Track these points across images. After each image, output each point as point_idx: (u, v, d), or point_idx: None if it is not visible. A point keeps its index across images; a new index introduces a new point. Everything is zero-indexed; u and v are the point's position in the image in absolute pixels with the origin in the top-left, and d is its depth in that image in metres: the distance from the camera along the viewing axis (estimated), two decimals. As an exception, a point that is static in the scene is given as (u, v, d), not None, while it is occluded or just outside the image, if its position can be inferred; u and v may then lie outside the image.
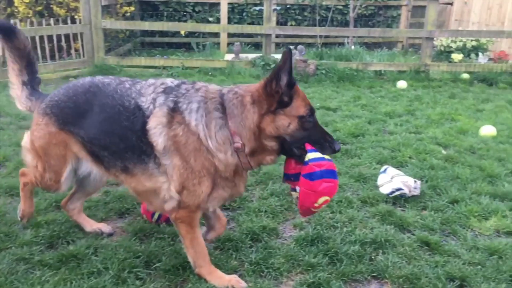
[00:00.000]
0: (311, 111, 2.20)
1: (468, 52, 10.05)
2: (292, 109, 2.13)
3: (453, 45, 10.12)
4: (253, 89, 2.19)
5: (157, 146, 2.21)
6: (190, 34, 11.68)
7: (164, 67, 8.36)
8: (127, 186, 2.50)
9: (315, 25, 11.88)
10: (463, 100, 6.79)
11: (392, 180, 3.56)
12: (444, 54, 10.14)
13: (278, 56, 9.15)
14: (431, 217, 3.22)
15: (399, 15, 13.28)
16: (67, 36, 8.38)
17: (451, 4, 13.35)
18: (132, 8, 10.87)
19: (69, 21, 8.40)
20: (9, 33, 2.65)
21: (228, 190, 2.31)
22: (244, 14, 12.61)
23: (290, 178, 2.29)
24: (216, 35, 11.40)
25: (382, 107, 6.15)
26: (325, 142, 2.21)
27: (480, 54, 10.05)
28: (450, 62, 9.36)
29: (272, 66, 8.10)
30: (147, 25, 9.36)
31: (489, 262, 2.71)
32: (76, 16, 8.77)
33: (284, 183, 2.53)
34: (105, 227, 2.95)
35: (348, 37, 10.83)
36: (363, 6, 12.78)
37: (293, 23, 12.91)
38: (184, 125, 2.18)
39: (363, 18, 13.02)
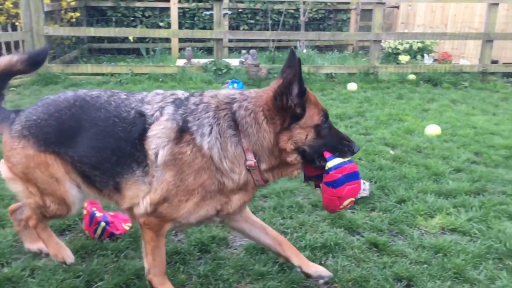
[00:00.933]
0: (325, 116, 2.09)
1: (415, 53, 10.43)
2: (307, 120, 2.02)
3: (400, 47, 10.46)
4: (262, 102, 2.03)
5: (152, 155, 2.06)
6: (140, 39, 11.43)
7: (112, 74, 8.11)
8: (120, 207, 2.28)
9: (267, 29, 11.93)
10: (410, 101, 6.99)
11: (341, 182, 3.58)
12: (392, 56, 10.46)
13: (231, 61, 9.13)
14: (380, 218, 3.25)
15: (349, 18, 13.61)
16: (7, 44, 7.97)
17: (397, 7, 13.83)
18: (78, 14, 10.50)
19: (9, 29, 7.98)
20: None
21: (218, 207, 2.15)
22: (196, 18, 12.49)
23: (312, 179, 2.24)
24: (167, 40, 11.22)
25: (333, 109, 6.23)
26: (343, 147, 2.11)
27: (425, 55, 10.44)
28: (397, 63, 9.66)
29: (224, 71, 8.05)
30: (93, 31, 9.04)
31: (435, 260, 2.76)
32: (17, 23, 8.35)
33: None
34: (45, 247, 2.72)
35: (300, 40, 10.95)
36: (314, 10, 12.99)
37: (246, 27, 12.92)
38: (194, 146, 2.03)
39: (314, 22, 13.23)
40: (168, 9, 11.28)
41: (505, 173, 4.08)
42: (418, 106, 6.63)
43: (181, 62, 9.36)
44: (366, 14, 12.86)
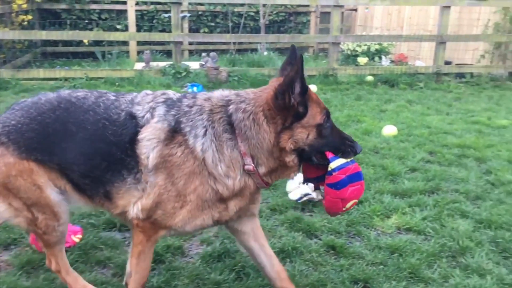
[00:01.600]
0: (327, 115, 2.01)
1: (372, 55, 10.65)
2: (309, 119, 1.94)
3: (359, 49, 10.65)
4: (262, 102, 1.94)
5: (144, 160, 1.94)
6: (96, 43, 11.12)
7: (66, 79, 7.82)
8: (112, 215, 2.20)
9: (228, 32, 11.90)
10: (368, 102, 7.11)
11: (300, 185, 3.57)
12: (351, 58, 10.64)
13: (191, 64, 9.01)
14: (337, 220, 3.25)
15: (309, 21, 13.76)
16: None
17: (355, 10, 14.11)
18: (30, 17, 10.09)
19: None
20: None
21: (216, 215, 2.04)
22: (155, 21, 12.29)
23: (312, 181, 2.17)
24: (125, 43, 10.96)
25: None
26: (346, 147, 2.03)
27: (383, 57, 10.68)
28: (356, 65, 9.83)
29: (183, 74, 7.93)
30: (45, 35, 8.66)
31: (391, 260, 2.78)
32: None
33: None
34: None
35: (260, 43, 10.96)
36: (274, 12, 13.07)
37: (206, 30, 12.83)
38: (186, 147, 1.93)
39: (275, 24, 13.29)
40: (125, 11, 11.04)
41: (458, 171, 4.19)
42: (375, 107, 6.74)
43: (139, 65, 9.15)
44: (326, 16, 13.03)
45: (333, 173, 1.98)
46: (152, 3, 11.68)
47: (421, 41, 9.67)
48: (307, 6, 12.94)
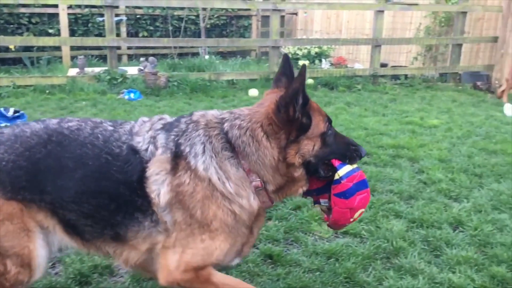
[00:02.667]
0: (330, 121, 1.93)
1: (313, 58, 10.83)
2: (313, 129, 1.85)
3: (300, 53, 10.81)
4: (261, 117, 1.83)
5: (155, 199, 1.77)
6: (26, 48, 10.49)
7: (-10, 87, 7.29)
8: (116, 258, 1.98)
9: (168, 36, 11.65)
10: (308, 105, 7.18)
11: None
12: (292, 61, 10.74)
13: (130, 69, 8.71)
14: (276, 227, 3.21)
15: (250, 24, 13.80)
16: None
17: (296, 14, 14.32)
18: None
19: None
20: None
21: (244, 240, 1.91)
22: (90, 25, 11.80)
23: (313, 193, 2.05)
24: (58, 48, 10.42)
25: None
26: (351, 152, 1.95)
27: (323, 60, 10.90)
28: (297, 68, 9.92)
29: (120, 80, 7.63)
30: (-36, 40, 8.05)
31: (327, 266, 2.76)
32: None
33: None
34: None
35: (201, 47, 10.82)
36: (215, 16, 12.97)
37: (145, 33, 12.50)
38: (190, 171, 1.78)
39: (216, 28, 13.20)
40: (57, 15, 10.50)
41: (392, 172, 4.29)
42: (315, 110, 6.80)
43: (73, 71, 8.72)
44: (267, 20, 13.08)
45: (342, 181, 1.88)
46: (86, 6, 11.20)
47: (358, 44, 9.95)
48: (248, 9, 12.96)
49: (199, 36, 11.47)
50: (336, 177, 1.88)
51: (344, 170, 1.90)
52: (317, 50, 10.83)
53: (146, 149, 1.83)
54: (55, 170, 1.83)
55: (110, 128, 1.94)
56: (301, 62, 10.29)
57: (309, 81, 8.65)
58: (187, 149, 1.81)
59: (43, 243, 1.90)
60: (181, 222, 1.79)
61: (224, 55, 12.05)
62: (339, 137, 1.98)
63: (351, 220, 1.99)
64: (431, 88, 8.89)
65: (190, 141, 1.83)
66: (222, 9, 12.48)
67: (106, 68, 7.98)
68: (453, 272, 2.70)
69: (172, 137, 1.85)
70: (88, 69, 8.56)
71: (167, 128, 1.90)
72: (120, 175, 1.80)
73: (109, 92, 7.34)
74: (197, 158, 1.80)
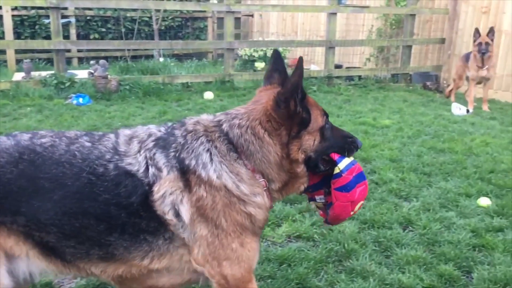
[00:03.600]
0: (327, 115, 1.92)
1: (269, 60, 10.82)
2: (313, 124, 1.84)
3: (256, 55, 10.79)
4: (259, 115, 1.79)
5: (172, 219, 1.72)
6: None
7: None
8: (101, 275, 1.86)
9: (121, 38, 11.35)
10: (264, 107, 7.16)
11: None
12: (249, 63, 10.74)
13: (80, 72, 8.39)
14: (228, 234, 3.13)
15: (206, 26, 13.67)
16: None
17: (251, 16, 14.33)
18: None
19: None
20: None
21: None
22: (37, 27, 11.29)
23: (308, 190, 2.01)
24: (3, 52, 9.90)
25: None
26: (349, 145, 1.94)
27: (279, 61, 10.91)
28: (254, 70, 9.92)
29: (68, 84, 7.31)
30: None
31: (279, 272, 2.72)
32: None
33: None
34: None
35: (155, 49, 10.60)
36: (170, 18, 12.75)
37: (97, 36, 12.10)
38: (204, 183, 1.74)
39: (171, 30, 12.97)
40: (1, 17, 9.98)
41: (345, 173, 4.31)
42: (271, 112, 6.79)
43: (19, 76, 8.31)
44: (223, 22, 13.04)
45: (343, 174, 1.87)
46: (32, 8, 10.71)
47: (312, 46, 10.06)
48: (204, 11, 12.83)
49: (153, 38, 11.24)
50: (337, 170, 1.88)
51: (343, 163, 1.89)
52: (273, 52, 10.84)
53: (146, 172, 1.74)
54: (29, 191, 1.71)
55: (88, 144, 1.82)
56: (257, 64, 10.29)
57: (265, 83, 8.64)
58: (193, 162, 1.76)
59: (7, 275, 1.76)
60: (207, 235, 1.76)
61: (180, 57, 11.87)
62: (335, 130, 1.98)
63: (352, 213, 1.99)
64: (383, 88, 9.09)
65: (193, 153, 1.78)
66: (177, 10, 12.27)
67: (53, 72, 7.63)
68: (403, 272, 2.73)
69: (172, 153, 1.78)
70: (35, 73, 8.17)
71: (161, 145, 1.80)
72: (109, 196, 1.72)
73: (56, 97, 7.02)
74: (207, 168, 1.75)
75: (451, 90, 8.16)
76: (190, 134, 1.82)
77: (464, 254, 2.91)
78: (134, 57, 10.91)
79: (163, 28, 12.03)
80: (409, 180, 4.12)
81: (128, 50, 10.51)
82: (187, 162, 1.75)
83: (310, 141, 1.85)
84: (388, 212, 3.48)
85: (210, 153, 1.77)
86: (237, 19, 14.20)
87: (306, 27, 12.36)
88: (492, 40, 7.22)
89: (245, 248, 1.80)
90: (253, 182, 1.80)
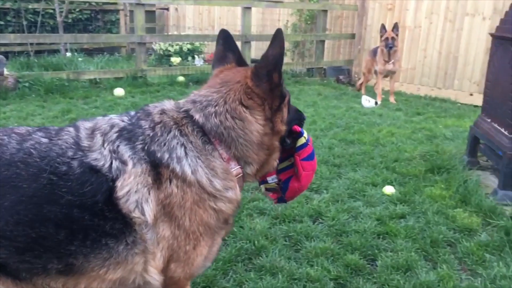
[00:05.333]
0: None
1: (185, 55, 10.57)
2: (287, 96, 1.81)
3: (171, 49, 10.46)
4: (238, 94, 1.70)
5: (138, 218, 1.55)
6: None
7: None
8: None
9: (23, 31, 10.44)
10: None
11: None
12: (165, 58, 10.39)
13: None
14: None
15: (118, 19, 13.02)
16: None
17: (167, 9, 13.91)
18: None
19: None
20: None
21: (223, 234, 1.80)
22: None
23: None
24: None
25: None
26: (301, 116, 1.97)
27: (196, 56, 10.71)
28: (170, 65, 9.60)
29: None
30: None
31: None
32: None
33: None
34: None
35: (60, 43, 9.87)
36: (77, 10, 11.97)
37: (-6, 29, 11.02)
38: (177, 178, 1.60)
39: (79, 23, 12.18)
40: None
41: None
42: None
43: None
44: (134, 15, 12.52)
45: (308, 143, 1.91)
46: None
47: (229, 40, 9.92)
48: (115, 3, 12.20)
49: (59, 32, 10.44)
50: (303, 141, 1.91)
51: (306, 133, 1.94)
52: (189, 46, 10.60)
53: (110, 166, 1.57)
54: None
55: (44, 140, 1.59)
56: (173, 59, 9.97)
57: (180, 78, 8.41)
58: (166, 155, 1.61)
59: None
60: (169, 236, 1.62)
61: (90, 52, 11.18)
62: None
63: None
64: (299, 82, 9.26)
65: (166, 146, 1.63)
66: (85, 2, 11.53)
67: None
68: (311, 266, 2.72)
69: (140, 146, 1.61)
70: None
71: (126, 136, 1.64)
72: (73, 197, 1.51)
73: None
74: (182, 163, 1.62)
75: (361, 83, 8.51)
76: (159, 125, 1.67)
77: (369, 243, 2.97)
78: (39, 52, 10.08)
79: (70, 21, 11.25)
80: (320, 172, 4.16)
81: (31, 44, 9.68)
82: (159, 155, 1.61)
83: (285, 113, 1.83)
84: (299, 206, 3.48)
85: (185, 147, 1.65)
86: (152, 13, 13.74)
87: (223, 22, 12.26)
88: (397, 35, 7.61)
89: (196, 250, 1.70)
90: (226, 175, 1.71)
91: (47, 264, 1.55)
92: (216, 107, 1.70)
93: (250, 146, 1.75)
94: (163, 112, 1.73)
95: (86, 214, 1.52)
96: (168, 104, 1.77)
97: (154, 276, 1.65)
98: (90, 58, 10.13)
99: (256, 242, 2.93)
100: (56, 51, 10.30)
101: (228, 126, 1.70)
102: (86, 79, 7.67)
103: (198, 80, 8.47)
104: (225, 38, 1.93)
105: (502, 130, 3.73)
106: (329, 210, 3.44)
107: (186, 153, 1.64)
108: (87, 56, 10.39)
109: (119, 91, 7.22)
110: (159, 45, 10.46)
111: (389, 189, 3.79)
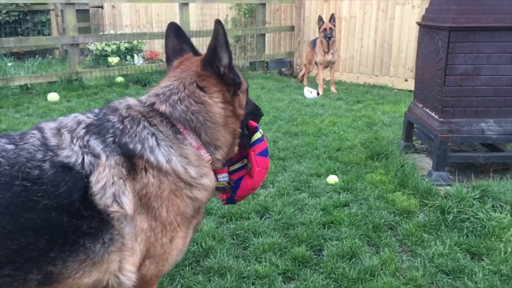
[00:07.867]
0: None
1: (124, 54, 10.24)
2: (243, 85, 1.85)
3: (108, 49, 10.09)
4: (192, 78, 1.74)
5: (116, 212, 1.51)
6: None
7: None
8: None
9: None
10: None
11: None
12: (102, 59, 10.00)
13: None
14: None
15: (49, 20, 12.37)
16: None
17: (101, 7, 13.39)
18: None
19: None
20: None
21: (194, 224, 1.77)
22: None
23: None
24: None
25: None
26: (259, 111, 2.02)
27: (135, 55, 10.40)
28: (108, 66, 9.26)
29: None
30: None
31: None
32: None
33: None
34: None
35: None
36: (4, 12, 11.25)
37: None
38: (153, 168, 1.59)
39: (6, 26, 11.43)
40: None
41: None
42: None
43: None
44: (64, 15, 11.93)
45: (264, 139, 1.93)
46: None
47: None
48: (45, 4, 11.55)
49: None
50: (258, 135, 1.93)
51: (261, 129, 1.98)
52: (127, 45, 10.27)
53: (82, 162, 1.53)
54: None
55: (10, 146, 1.52)
56: (110, 59, 9.62)
57: (119, 79, 8.13)
58: (139, 146, 1.60)
59: None
60: (145, 229, 1.59)
61: (20, 56, 10.55)
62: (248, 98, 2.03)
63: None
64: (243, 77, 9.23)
65: (137, 137, 1.63)
66: (11, 4, 10.83)
67: None
68: (260, 262, 2.73)
69: (111, 139, 1.60)
70: None
71: (95, 131, 1.61)
72: (49, 201, 1.46)
73: None
74: (155, 152, 1.62)
75: (303, 75, 8.63)
76: (127, 119, 1.67)
77: (315, 233, 3.02)
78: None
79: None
80: (265, 166, 4.17)
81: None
82: (131, 146, 1.60)
83: (243, 100, 1.88)
84: (246, 202, 3.47)
85: (156, 137, 1.65)
86: (85, 11, 13.17)
87: (161, 18, 11.98)
88: (334, 25, 7.77)
89: (173, 244, 1.68)
90: (199, 162, 1.73)
91: (27, 276, 1.49)
92: (179, 94, 1.74)
93: (217, 129, 1.78)
94: (129, 107, 1.73)
95: (64, 216, 1.48)
96: (132, 100, 1.78)
97: (129, 274, 1.62)
98: (21, 62, 9.57)
99: (203, 243, 2.90)
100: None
101: (195, 110, 1.74)
102: (16, 85, 7.21)
103: (138, 80, 8.24)
104: (176, 31, 1.94)
105: (433, 114, 3.91)
106: (275, 204, 3.46)
107: (158, 143, 1.65)
108: (17, 60, 9.81)
109: (53, 96, 6.85)
110: (95, 45, 10.06)
111: (332, 179, 3.87)
